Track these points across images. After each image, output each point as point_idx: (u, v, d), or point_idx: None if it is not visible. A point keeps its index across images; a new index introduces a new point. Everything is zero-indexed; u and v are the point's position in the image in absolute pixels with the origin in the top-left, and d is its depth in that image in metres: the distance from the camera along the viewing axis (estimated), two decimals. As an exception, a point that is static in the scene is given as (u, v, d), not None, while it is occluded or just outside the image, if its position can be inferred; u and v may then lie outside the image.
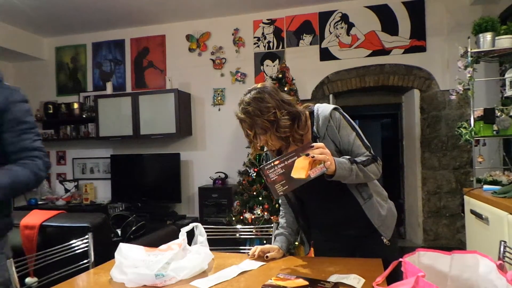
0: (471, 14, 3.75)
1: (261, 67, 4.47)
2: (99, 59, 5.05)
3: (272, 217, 3.38)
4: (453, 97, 3.07)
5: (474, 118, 2.77)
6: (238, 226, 2.17)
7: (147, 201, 4.53)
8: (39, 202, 4.80)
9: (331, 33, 4.28)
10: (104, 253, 1.69)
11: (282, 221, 1.59)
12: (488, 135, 2.69)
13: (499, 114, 2.64)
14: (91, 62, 5.08)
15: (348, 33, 4.23)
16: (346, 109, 1.49)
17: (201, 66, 4.65)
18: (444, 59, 3.98)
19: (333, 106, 1.39)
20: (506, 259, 1.29)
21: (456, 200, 3.95)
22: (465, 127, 2.80)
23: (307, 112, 1.41)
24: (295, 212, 1.57)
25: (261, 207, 3.49)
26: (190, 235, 1.46)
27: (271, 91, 1.34)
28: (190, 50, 4.70)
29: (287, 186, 1.21)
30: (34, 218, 2.07)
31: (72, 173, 5.13)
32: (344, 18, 4.24)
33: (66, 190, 4.98)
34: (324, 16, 4.29)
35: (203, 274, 1.30)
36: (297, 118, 1.35)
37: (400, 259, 1.09)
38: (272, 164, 1.22)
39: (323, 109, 1.39)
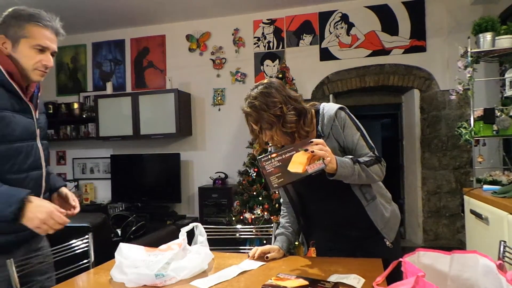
0: (471, 14, 3.75)
1: (261, 67, 4.47)
2: (99, 59, 5.05)
3: (272, 217, 3.38)
4: (453, 97, 3.07)
5: (474, 118, 2.77)
6: (238, 226, 2.17)
7: (147, 201, 4.53)
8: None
9: (331, 33, 4.28)
10: (104, 253, 1.69)
11: (283, 220, 1.59)
12: (488, 135, 2.69)
13: (499, 114, 2.64)
14: (91, 62, 5.08)
15: (348, 33, 4.23)
16: (346, 109, 1.49)
17: (201, 66, 4.65)
18: (444, 59, 3.98)
19: (339, 105, 1.39)
20: (506, 259, 1.29)
21: (456, 200, 3.95)
22: (465, 127, 2.80)
23: (313, 110, 1.41)
24: (297, 212, 1.56)
25: (261, 207, 3.49)
26: (190, 235, 1.46)
27: (278, 87, 1.34)
28: (190, 50, 4.70)
29: (282, 179, 1.21)
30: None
31: (72, 173, 5.12)
32: (344, 18, 4.24)
33: (66, 190, 4.97)
34: (324, 16, 4.29)
35: (203, 274, 1.30)
36: (303, 115, 1.35)
37: (400, 259, 1.09)
38: (270, 157, 1.22)
39: (329, 108, 1.38)
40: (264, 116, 1.29)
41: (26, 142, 1.37)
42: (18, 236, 1.35)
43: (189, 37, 4.69)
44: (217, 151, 4.59)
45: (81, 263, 1.62)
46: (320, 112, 1.39)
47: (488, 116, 2.64)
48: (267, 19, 4.46)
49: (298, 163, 1.18)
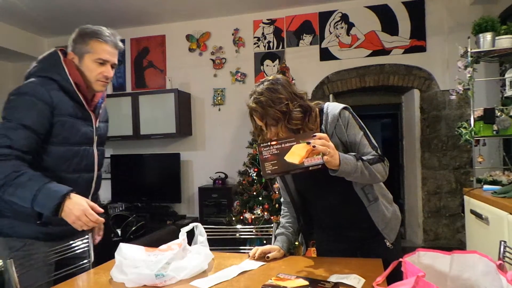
0: (471, 14, 3.75)
1: (261, 67, 4.47)
2: (99, 59, 5.04)
3: (272, 217, 3.38)
4: (453, 97, 3.07)
5: (474, 118, 2.77)
6: (238, 226, 2.17)
7: (147, 201, 4.53)
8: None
9: (331, 33, 4.28)
10: (104, 253, 1.69)
11: (283, 220, 1.59)
12: (488, 135, 2.69)
13: (499, 114, 2.64)
14: (91, 62, 5.07)
15: (348, 33, 4.23)
16: (346, 109, 1.48)
17: (201, 66, 4.65)
18: (444, 59, 3.98)
19: (343, 105, 1.38)
20: (506, 259, 1.29)
21: (456, 200, 3.95)
22: (465, 127, 2.80)
23: (317, 109, 1.40)
24: (297, 211, 1.56)
25: (261, 207, 3.49)
26: (190, 235, 1.46)
27: (284, 83, 1.34)
28: (190, 50, 4.70)
29: (277, 167, 1.19)
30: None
31: (72, 173, 5.11)
32: (344, 18, 4.24)
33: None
34: (324, 16, 4.29)
35: (203, 274, 1.30)
36: (308, 112, 1.34)
37: (400, 259, 1.09)
38: (269, 144, 1.21)
39: (333, 107, 1.38)
40: (270, 112, 1.28)
41: (84, 147, 1.56)
42: (63, 229, 1.49)
43: (189, 37, 4.69)
44: (217, 151, 4.59)
45: (81, 263, 1.62)
46: (324, 111, 1.39)
47: (488, 116, 2.64)
48: (267, 19, 4.46)
49: (297, 154, 1.17)
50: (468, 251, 1.13)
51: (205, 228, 1.55)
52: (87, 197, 1.57)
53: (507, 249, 1.30)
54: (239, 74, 4.52)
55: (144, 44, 4.86)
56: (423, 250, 1.16)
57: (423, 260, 1.15)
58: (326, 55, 4.29)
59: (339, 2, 4.22)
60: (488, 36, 2.77)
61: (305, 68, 4.30)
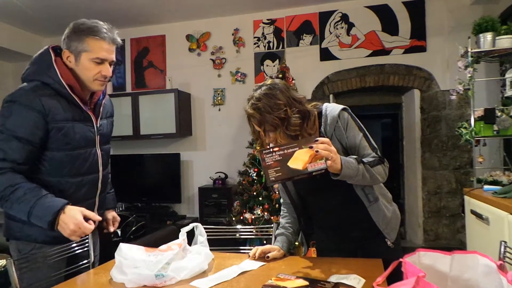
0: (471, 14, 3.75)
1: (261, 67, 4.46)
2: (99, 59, 5.04)
3: (272, 217, 3.38)
4: (453, 97, 3.06)
5: (474, 118, 2.76)
6: (238, 226, 2.17)
7: (147, 201, 4.53)
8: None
9: (331, 33, 4.28)
10: (104, 253, 1.69)
11: (283, 221, 1.59)
12: (488, 135, 2.69)
13: (499, 114, 2.64)
14: (91, 62, 5.07)
15: (348, 33, 4.22)
16: (346, 109, 1.48)
17: (201, 66, 4.65)
18: (444, 59, 3.98)
19: (342, 106, 1.37)
20: (507, 259, 1.29)
21: (457, 200, 3.94)
22: (465, 127, 2.80)
23: (316, 112, 1.39)
24: (297, 212, 1.56)
25: (261, 207, 3.49)
26: (190, 235, 1.46)
27: (282, 88, 1.32)
28: (190, 50, 4.69)
29: (280, 174, 1.18)
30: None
31: (72, 173, 5.12)
32: (344, 18, 4.24)
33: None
34: (324, 16, 4.29)
35: (203, 274, 1.30)
36: (307, 117, 1.33)
37: (401, 259, 1.08)
38: (271, 150, 1.20)
39: (332, 109, 1.37)
40: (268, 119, 1.27)
41: (85, 149, 1.52)
42: None
43: (189, 37, 4.69)
44: (217, 151, 4.59)
45: (81, 263, 1.61)
46: (323, 113, 1.37)
47: (488, 116, 2.64)
48: (267, 19, 4.46)
49: (300, 160, 1.16)
50: (468, 251, 1.12)
51: (205, 228, 1.55)
52: (94, 197, 1.59)
53: (508, 249, 1.30)
54: (239, 74, 4.52)
55: (144, 44, 4.86)
56: (423, 250, 1.16)
57: (424, 260, 1.15)
58: (326, 55, 4.28)
59: (339, 2, 4.22)
60: (489, 36, 2.77)
61: (305, 68, 4.29)
